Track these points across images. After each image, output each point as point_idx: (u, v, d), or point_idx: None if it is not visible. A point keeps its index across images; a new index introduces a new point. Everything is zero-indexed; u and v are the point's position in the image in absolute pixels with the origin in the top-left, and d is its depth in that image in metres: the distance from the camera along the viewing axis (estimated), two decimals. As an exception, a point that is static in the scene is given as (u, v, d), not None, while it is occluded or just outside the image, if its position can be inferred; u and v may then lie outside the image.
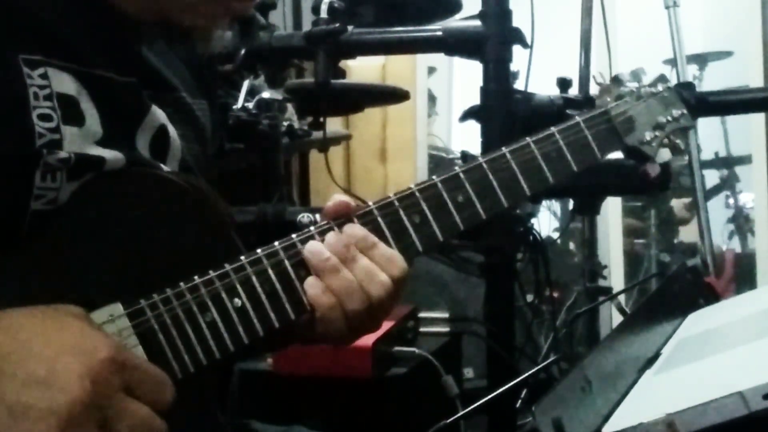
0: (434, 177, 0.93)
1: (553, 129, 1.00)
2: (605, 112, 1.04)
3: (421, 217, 0.91)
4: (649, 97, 1.08)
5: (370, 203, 0.91)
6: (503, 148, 0.97)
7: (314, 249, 0.87)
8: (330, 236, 0.88)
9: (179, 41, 1.00)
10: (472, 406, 1.61)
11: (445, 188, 0.92)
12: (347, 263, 0.87)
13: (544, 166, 0.97)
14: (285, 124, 2.27)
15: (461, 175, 0.93)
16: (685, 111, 1.10)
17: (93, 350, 0.71)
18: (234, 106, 2.15)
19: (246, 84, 2.20)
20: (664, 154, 1.08)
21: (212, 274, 0.83)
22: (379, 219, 0.90)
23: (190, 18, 0.91)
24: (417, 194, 0.91)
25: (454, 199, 0.92)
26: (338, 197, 0.91)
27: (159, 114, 0.93)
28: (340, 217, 0.90)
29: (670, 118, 1.09)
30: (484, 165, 0.95)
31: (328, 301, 0.86)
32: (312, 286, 0.86)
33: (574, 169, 1.00)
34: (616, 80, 1.09)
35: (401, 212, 0.91)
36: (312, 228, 0.88)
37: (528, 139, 0.98)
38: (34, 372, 0.69)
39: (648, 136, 1.06)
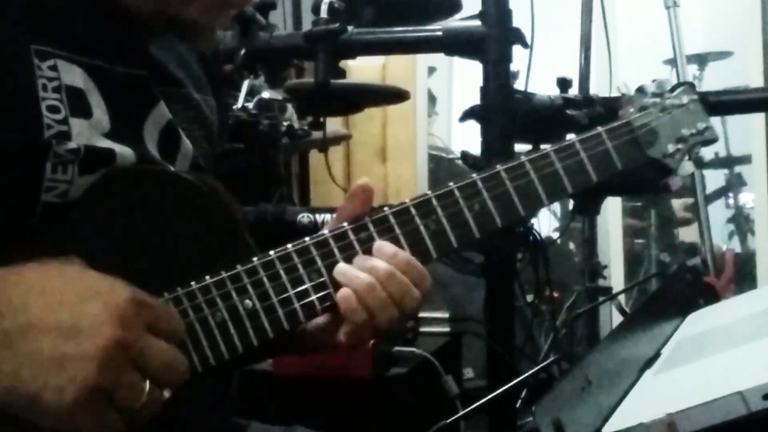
0: (451, 183, 0.92)
1: (574, 140, 0.98)
2: (628, 123, 1.03)
3: (436, 225, 0.90)
4: (673, 109, 1.07)
5: (386, 209, 0.91)
6: (522, 157, 0.95)
7: (345, 270, 0.87)
8: (359, 258, 0.88)
9: (181, 37, 1.00)
10: (472, 406, 1.62)
11: (462, 196, 0.92)
12: (381, 281, 0.86)
13: (564, 177, 0.96)
14: (285, 124, 2.28)
15: (479, 182, 0.93)
16: (709, 124, 1.08)
17: (113, 292, 0.73)
18: (234, 106, 2.15)
19: (246, 84, 2.20)
20: (688, 167, 1.06)
21: (224, 274, 0.83)
22: (395, 225, 0.90)
23: (190, 12, 0.91)
24: (434, 201, 0.91)
25: (471, 208, 0.92)
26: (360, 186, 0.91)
27: (166, 110, 0.93)
28: (358, 210, 0.90)
29: (694, 131, 1.07)
30: (503, 173, 0.94)
31: (361, 317, 0.86)
32: (346, 300, 0.86)
33: (594, 180, 0.98)
34: (640, 91, 1.07)
35: (417, 219, 0.90)
36: (326, 231, 0.88)
37: (548, 148, 0.97)
38: (61, 321, 0.70)
39: (671, 148, 1.05)
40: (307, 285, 0.86)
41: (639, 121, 1.04)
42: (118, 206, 0.84)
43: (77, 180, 0.82)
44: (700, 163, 1.07)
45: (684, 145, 1.06)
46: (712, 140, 1.08)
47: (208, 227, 0.87)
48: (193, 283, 0.82)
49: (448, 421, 1.53)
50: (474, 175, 0.93)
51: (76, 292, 0.72)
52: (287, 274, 0.85)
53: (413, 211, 0.90)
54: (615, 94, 1.65)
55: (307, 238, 0.87)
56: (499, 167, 0.94)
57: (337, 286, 0.87)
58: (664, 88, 1.08)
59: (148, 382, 0.72)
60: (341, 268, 0.87)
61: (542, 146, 0.98)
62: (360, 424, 1.68)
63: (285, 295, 0.85)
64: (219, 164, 1.08)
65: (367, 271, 0.87)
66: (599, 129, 1.01)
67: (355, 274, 0.87)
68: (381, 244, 0.88)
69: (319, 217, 1.97)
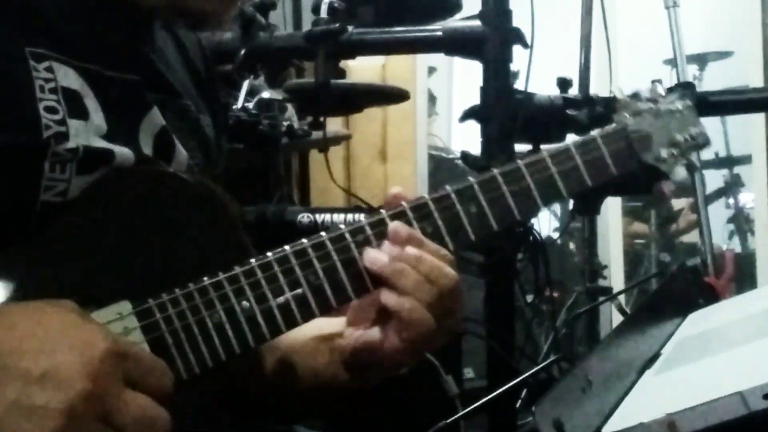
0: (447, 187, 0.93)
1: (569, 144, 0.99)
2: (623, 129, 1.03)
3: (433, 229, 0.91)
4: (667, 114, 1.07)
5: (382, 211, 0.90)
6: (519, 161, 0.96)
7: (373, 257, 0.87)
8: (384, 245, 0.87)
9: (191, 27, 1.00)
10: (472, 406, 1.62)
11: (458, 199, 0.92)
12: (411, 264, 0.86)
13: (559, 182, 0.97)
14: (285, 124, 2.27)
15: (475, 186, 0.93)
16: (702, 130, 1.09)
17: (91, 343, 0.70)
18: (234, 106, 2.15)
19: (246, 84, 2.20)
20: (681, 172, 1.07)
21: (221, 276, 0.83)
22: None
23: (202, 2, 0.91)
24: (430, 204, 0.91)
25: (467, 211, 0.92)
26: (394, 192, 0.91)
27: (160, 116, 0.93)
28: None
29: (687, 137, 1.07)
30: (499, 177, 0.94)
31: (409, 303, 0.86)
32: (388, 296, 0.86)
33: (589, 185, 0.99)
34: (635, 96, 1.08)
35: (414, 224, 0.90)
36: (323, 234, 0.87)
37: (544, 153, 0.97)
38: (32, 369, 0.68)
39: (664, 153, 1.05)
40: (305, 287, 0.86)
41: (634, 126, 1.04)
42: (116, 206, 0.84)
43: (75, 179, 0.82)
44: (693, 168, 1.08)
45: (677, 150, 1.07)
46: (705, 145, 1.10)
47: (205, 227, 0.87)
48: (191, 284, 0.82)
49: (448, 421, 1.53)
50: (471, 178, 0.94)
51: (55, 342, 0.70)
52: (284, 275, 0.85)
53: (410, 214, 0.90)
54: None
55: (304, 240, 0.87)
56: (495, 171, 0.95)
57: (333, 286, 0.87)
58: (658, 92, 1.08)
59: None
60: (370, 255, 0.87)
61: (542, 146, 0.98)
62: (360, 424, 1.68)
63: (282, 298, 0.85)
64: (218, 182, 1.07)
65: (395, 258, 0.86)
66: (594, 134, 1.01)
67: (384, 262, 0.86)
68: (395, 226, 0.88)
69: (319, 217, 1.97)
